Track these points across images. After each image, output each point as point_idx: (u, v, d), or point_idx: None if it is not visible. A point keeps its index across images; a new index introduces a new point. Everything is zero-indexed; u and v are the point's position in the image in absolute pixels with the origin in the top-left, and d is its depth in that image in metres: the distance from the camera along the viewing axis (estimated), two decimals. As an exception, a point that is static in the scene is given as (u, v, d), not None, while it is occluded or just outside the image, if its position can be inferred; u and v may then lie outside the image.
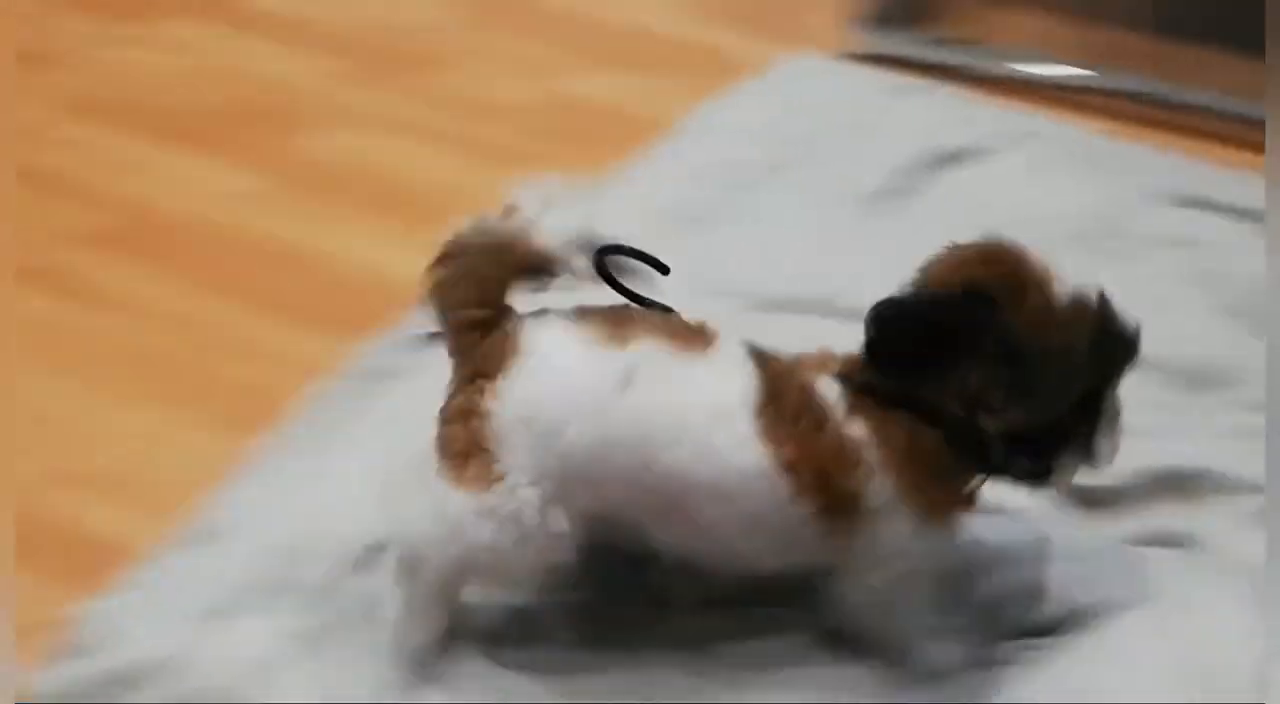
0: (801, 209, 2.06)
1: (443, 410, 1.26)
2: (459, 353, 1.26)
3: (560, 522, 1.22)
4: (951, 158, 2.17)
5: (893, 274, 1.87)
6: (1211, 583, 1.07)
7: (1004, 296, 1.17)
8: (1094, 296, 1.21)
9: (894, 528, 1.22)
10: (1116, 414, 1.24)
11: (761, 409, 1.20)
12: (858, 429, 1.20)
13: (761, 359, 1.25)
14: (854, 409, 1.21)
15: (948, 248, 1.25)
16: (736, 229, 2.03)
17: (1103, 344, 1.20)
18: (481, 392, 1.22)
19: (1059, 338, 1.17)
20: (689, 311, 1.81)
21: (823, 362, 1.27)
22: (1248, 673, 1.00)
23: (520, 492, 1.21)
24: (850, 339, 1.77)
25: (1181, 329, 1.78)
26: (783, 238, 2.01)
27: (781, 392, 1.22)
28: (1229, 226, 2.04)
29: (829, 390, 1.23)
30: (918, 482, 1.21)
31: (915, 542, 1.23)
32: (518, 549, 1.23)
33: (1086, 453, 1.24)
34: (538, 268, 1.25)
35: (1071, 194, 2.09)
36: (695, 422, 1.20)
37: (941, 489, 1.23)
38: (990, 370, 1.17)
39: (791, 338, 1.77)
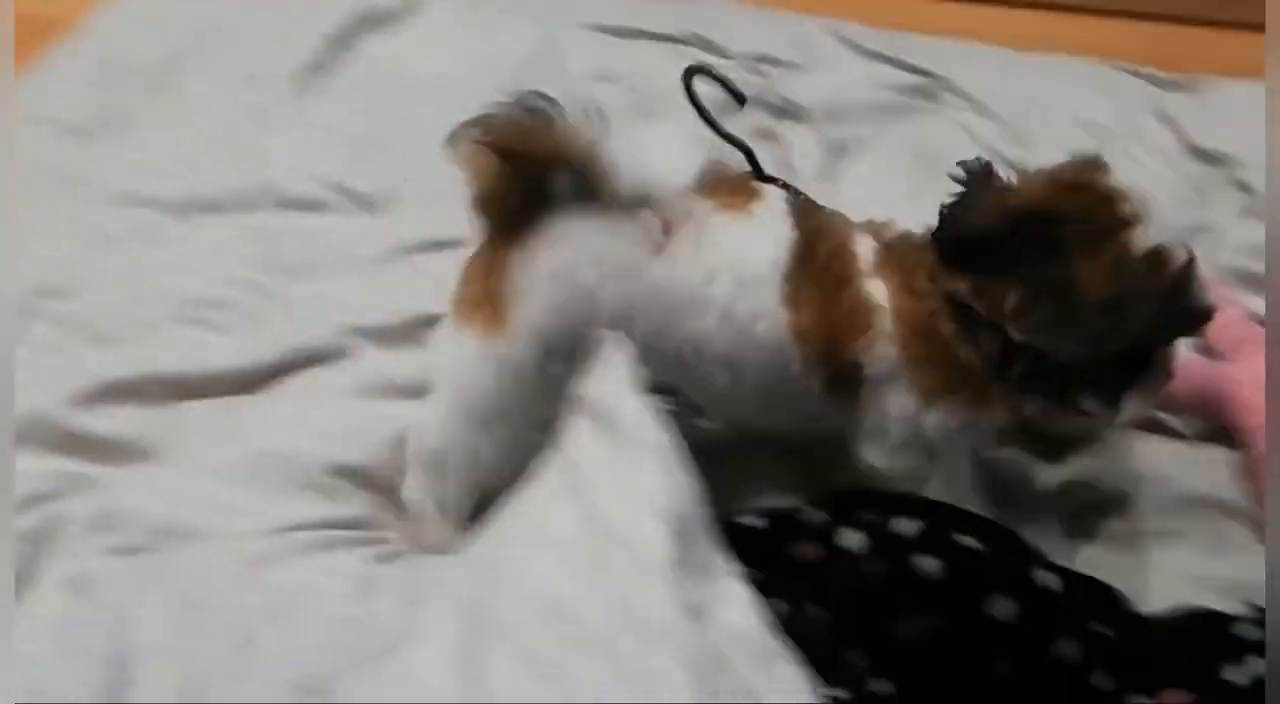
0: (226, 98, 1.89)
1: (463, 272, 1.27)
2: (485, 214, 1.24)
3: (561, 372, 1.18)
4: (377, 20, 2.04)
5: (333, 155, 1.78)
6: (616, 448, 1.02)
7: (1080, 234, 1.12)
8: (1178, 257, 1.13)
9: (897, 399, 1.22)
10: (1161, 373, 1.20)
11: (790, 273, 1.20)
12: (878, 291, 1.20)
13: (805, 214, 1.24)
14: (883, 269, 1.21)
15: (1050, 166, 1.20)
16: (158, 128, 1.84)
17: (1167, 309, 1.14)
18: (507, 247, 1.22)
19: (1117, 291, 1.11)
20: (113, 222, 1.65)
21: (874, 227, 1.26)
22: (656, 540, 0.96)
23: (523, 341, 1.22)
24: (293, 227, 1.68)
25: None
26: (210, 132, 1.84)
27: (813, 252, 1.21)
28: (662, 51, 2.02)
29: (864, 248, 1.22)
30: (924, 355, 1.19)
31: (919, 416, 1.22)
32: (515, 397, 1.24)
33: (1113, 403, 1.19)
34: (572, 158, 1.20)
35: (503, 40, 2.02)
36: (721, 290, 1.20)
37: (949, 372, 1.20)
38: (1037, 293, 1.12)
39: (232, 235, 1.65)
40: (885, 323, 1.20)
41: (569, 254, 1.22)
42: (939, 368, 1.20)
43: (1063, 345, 1.13)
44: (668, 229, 1.21)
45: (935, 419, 1.23)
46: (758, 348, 1.23)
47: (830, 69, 1.99)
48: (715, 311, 1.22)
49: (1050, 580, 1.16)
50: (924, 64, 2.00)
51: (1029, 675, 1.13)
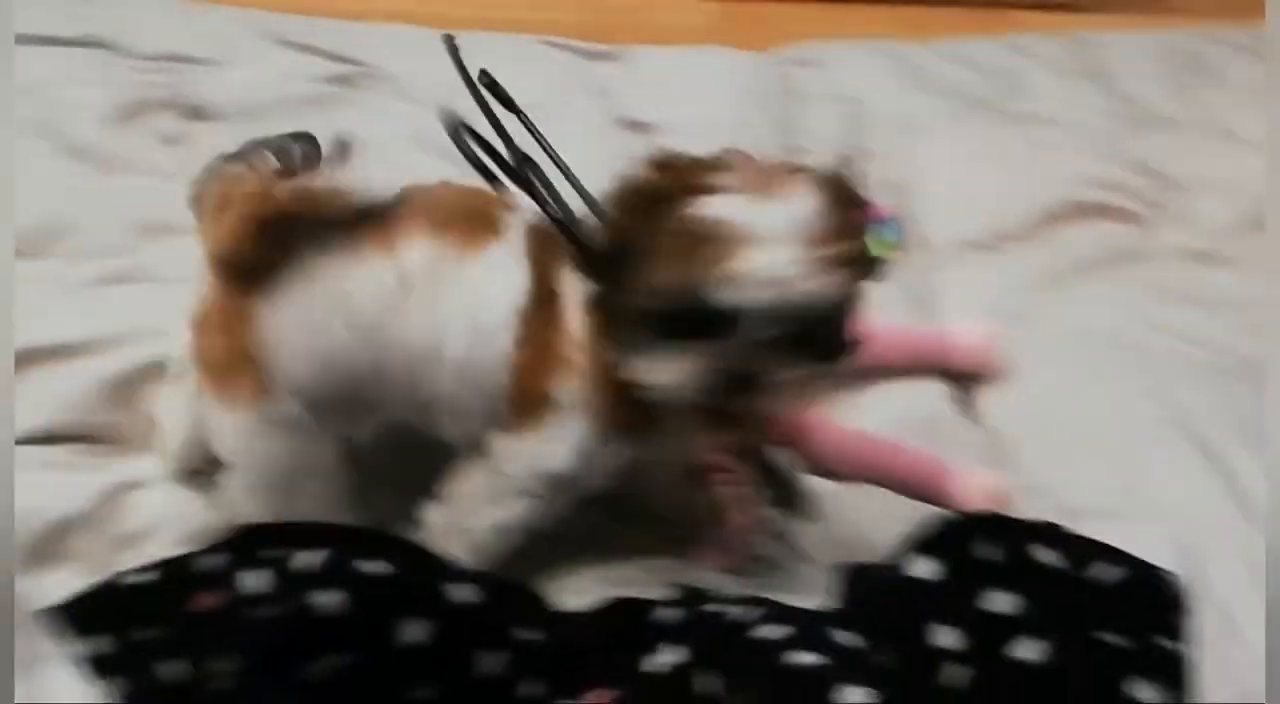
0: None
1: (196, 318, 1.18)
2: (225, 269, 1.16)
3: (344, 427, 1.19)
4: None
5: None
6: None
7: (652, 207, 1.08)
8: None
9: (571, 427, 1.17)
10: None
11: (523, 313, 1.16)
12: (580, 331, 1.15)
13: (544, 247, 1.18)
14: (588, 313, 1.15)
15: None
16: None
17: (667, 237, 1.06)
18: (247, 299, 1.15)
19: (621, 235, 1.09)
20: None
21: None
22: None
23: (290, 402, 1.16)
24: None
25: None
26: None
27: (541, 289, 1.17)
28: (61, 57, 1.85)
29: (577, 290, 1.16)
30: (602, 391, 1.14)
31: (583, 447, 1.17)
32: (303, 463, 1.19)
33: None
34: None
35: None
36: (455, 346, 1.16)
37: (623, 406, 1.14)
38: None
39: None
40: (580, 360, 1.15)
41: (316, 304, 1.16)
42: (619, 406, 1.15)
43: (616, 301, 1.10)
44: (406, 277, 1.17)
45: (611, 452, 1.18)
46: (488, 390, 1.18)
47: (247, 63, 1.87)
48: (451, 369, 1.17)
49: (466, 593, 1.11)
50: (349, 51, 1.92)
51: (453, 696, 1.08)
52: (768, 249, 1.03)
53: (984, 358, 1.53)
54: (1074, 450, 1.41)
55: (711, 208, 1.04)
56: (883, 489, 1.39)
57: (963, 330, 1.54)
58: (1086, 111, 2.03)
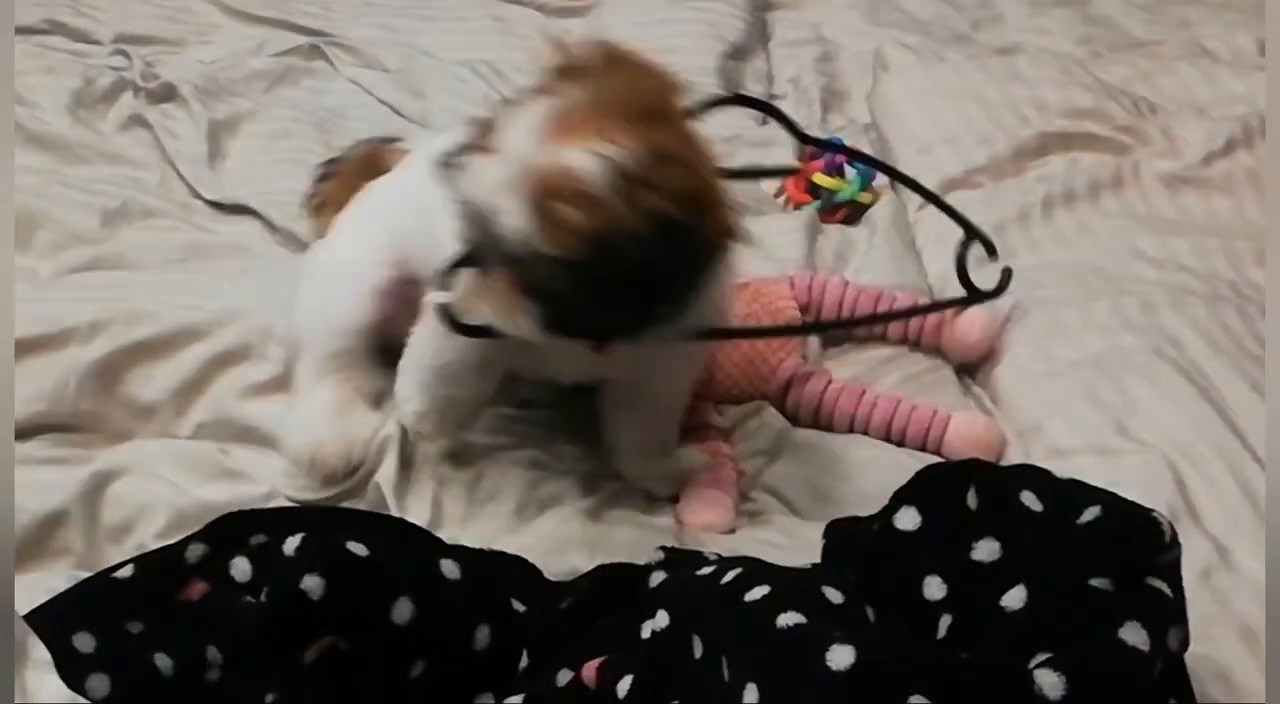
0: None
1: None
2: None
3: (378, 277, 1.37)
4: None
5: None
6: None
7: None
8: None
9: None
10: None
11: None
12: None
13: None
14: None
15: None
16: None
17: None
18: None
19: None
20: None
21: None
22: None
23: (352, 248, 1.40)
24: None
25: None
26: None
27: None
28: (20, 47, 1.81)
29: None
30: None
31: None
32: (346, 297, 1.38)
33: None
34: None
35: None
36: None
37: None
38: None
39: None
40: None
41: (390, 186, 1.42)
42: None
43: None
44: None
45: None
46: None
47: (210, 42, 1.86)
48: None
49: (457, 568, 1.10)
50: (309, 22, 1.89)
51: (447, 673, 1.07)
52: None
53: (984, 350, 1.49)
54: (1063, 387, 1.40)
55: None
56: (878, 440, 1.38)
57: (963, 323, 1.47)
58: (1061, 39, 2.01)
